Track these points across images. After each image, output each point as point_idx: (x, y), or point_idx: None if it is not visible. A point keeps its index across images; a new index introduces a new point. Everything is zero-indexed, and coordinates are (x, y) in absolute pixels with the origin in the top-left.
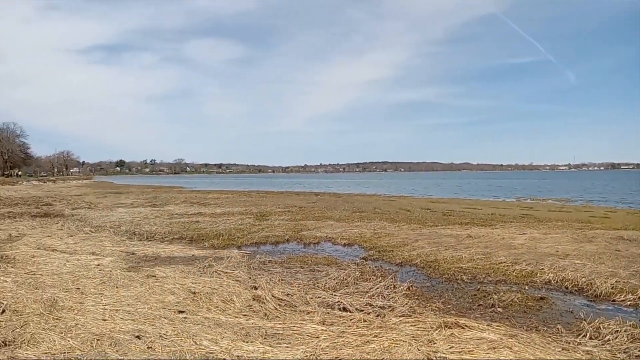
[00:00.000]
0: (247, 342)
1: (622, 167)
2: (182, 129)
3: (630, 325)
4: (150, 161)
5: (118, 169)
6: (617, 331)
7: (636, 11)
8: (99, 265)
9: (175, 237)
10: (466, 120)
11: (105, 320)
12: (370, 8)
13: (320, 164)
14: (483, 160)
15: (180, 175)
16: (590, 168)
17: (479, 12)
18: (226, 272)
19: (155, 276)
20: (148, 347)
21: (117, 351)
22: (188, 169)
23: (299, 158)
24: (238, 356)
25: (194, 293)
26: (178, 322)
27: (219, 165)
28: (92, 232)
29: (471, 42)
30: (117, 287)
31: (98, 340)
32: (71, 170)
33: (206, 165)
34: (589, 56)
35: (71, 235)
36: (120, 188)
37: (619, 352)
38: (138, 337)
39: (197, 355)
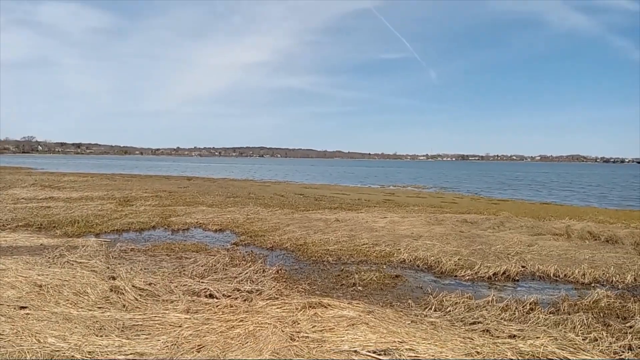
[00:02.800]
0: (100, 336)
1: (470, 158)
2: (34, 103)
3: (467, 297)
4: None
5: None
6: (456, 303)
7: (492, 21)
8: None
9: (20, 224)
10: (341, 110)
11: None
12: None
13: (195, 147)
14: (353, 149)
15: (30, 155)
16: (444, 159)
17: (356, 5)
18: (80, 262)
19: None
20: None
21: None
22: (40, 148)
23: (172, 140)
24: (90, 352)
25: (40, 286)
26: (19, 319)
27: (78, 145)
28: None
29: (348, 35)
30: None
31: None
32: None
33: (62, 144)
34: (449, 57)
35: None
36: None
37: (457, 321)
38: None
39: (40, 355)
